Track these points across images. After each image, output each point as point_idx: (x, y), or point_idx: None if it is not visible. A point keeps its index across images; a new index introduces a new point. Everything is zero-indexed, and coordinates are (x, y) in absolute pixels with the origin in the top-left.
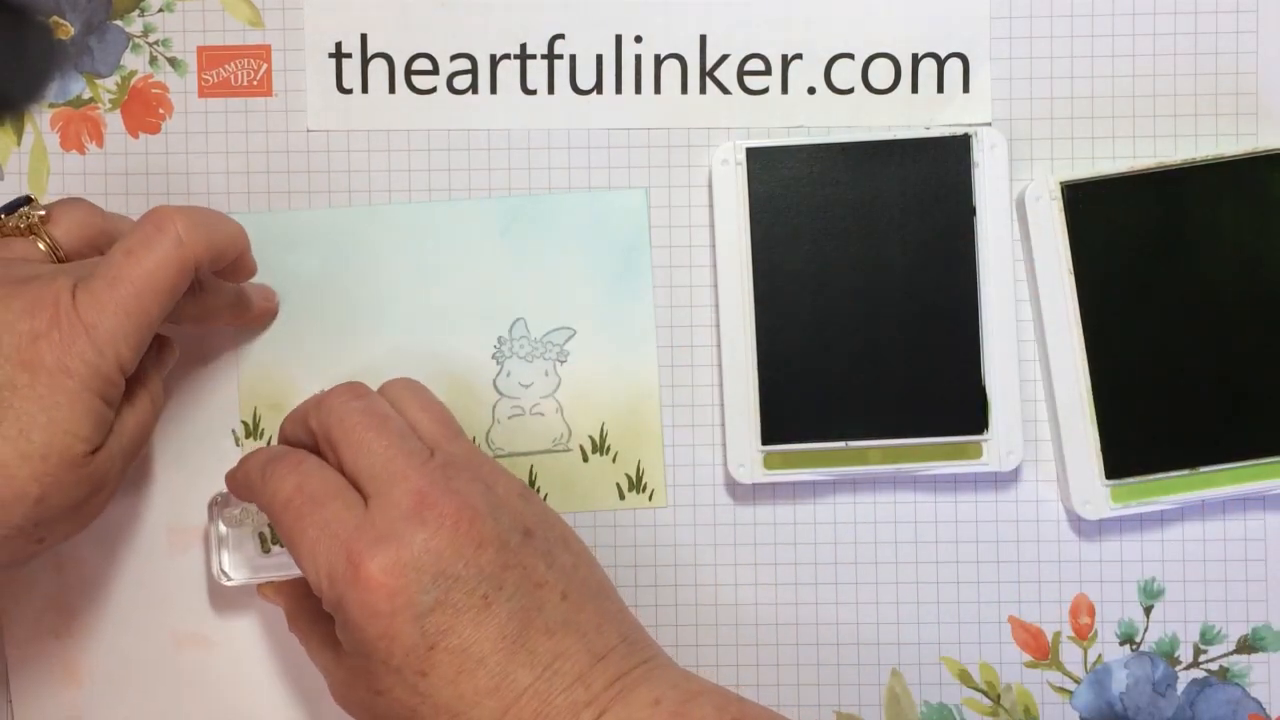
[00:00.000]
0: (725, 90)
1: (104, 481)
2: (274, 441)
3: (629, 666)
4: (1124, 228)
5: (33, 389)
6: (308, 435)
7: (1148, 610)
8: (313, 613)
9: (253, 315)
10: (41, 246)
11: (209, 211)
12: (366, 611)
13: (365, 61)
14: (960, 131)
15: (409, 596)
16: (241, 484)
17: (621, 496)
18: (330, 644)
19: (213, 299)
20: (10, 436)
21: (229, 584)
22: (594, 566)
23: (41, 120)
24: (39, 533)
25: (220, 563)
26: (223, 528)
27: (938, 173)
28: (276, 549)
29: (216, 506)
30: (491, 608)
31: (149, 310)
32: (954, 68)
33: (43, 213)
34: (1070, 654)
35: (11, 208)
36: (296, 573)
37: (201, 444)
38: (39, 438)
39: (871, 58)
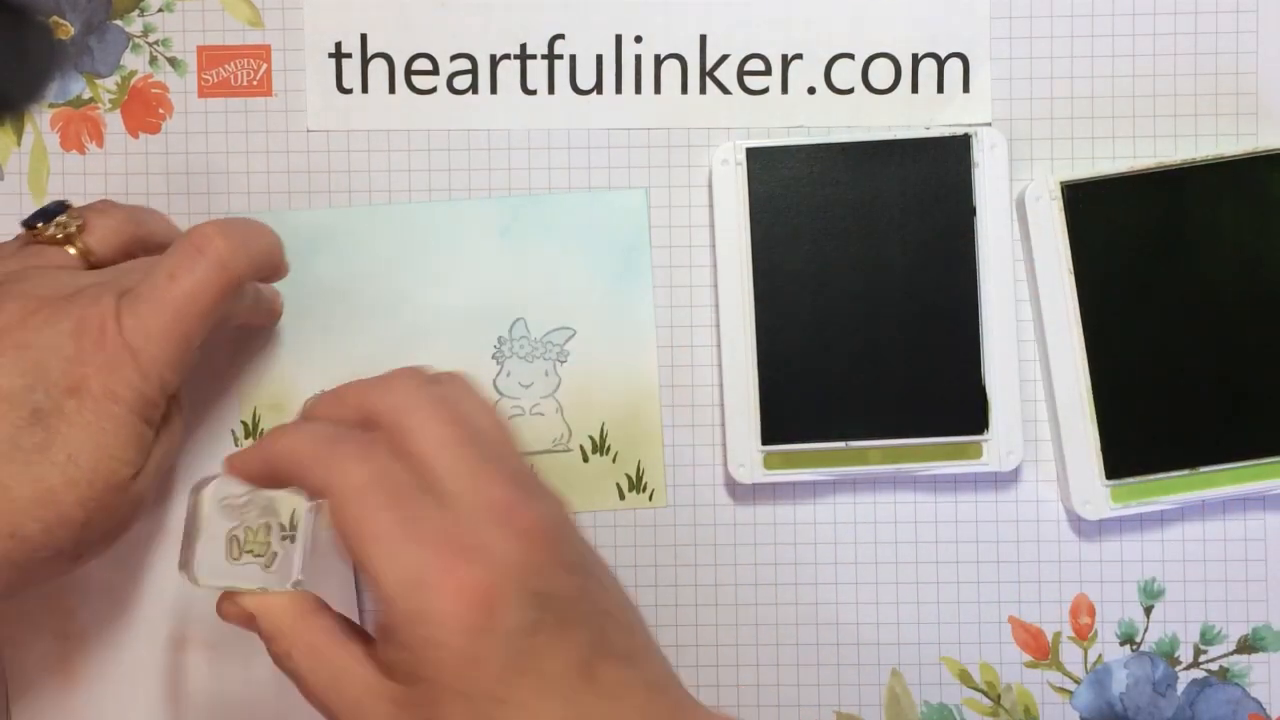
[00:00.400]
0: (725, 90)
1: (142, 500)
2: None
3: (680, 696)
4: (1124, 228)
5: (80, 415)
6: (356, 418)
7: (1148, 610)
8: (327, 633)
9: (266, 315)
10: (73, 251)
11: (247, 224)
12: (454, 627)
13: (365, 61)
14: (960, 131)
15: (504, 613)
16: (284, 460)
17: (621, 496)
18: (360, 670)
19: (237, 304)
20: (58, 462)
21: (197, 588)
22: (618, 583)
23: (41, 120)
24: (78, 551)
25: (194, 559)
26: (211, 517)
27: (938, 173)
28: (248, 558)
29: (203, 492)
30: (568, 631)
31: (192, 333)
32: (954, 68)
33: (80, 222)
34: (1070, 654)
35: (47, 215)
36: (277, 586)
37: (200, 444)
38: (85, 463)
39: (871, 58)
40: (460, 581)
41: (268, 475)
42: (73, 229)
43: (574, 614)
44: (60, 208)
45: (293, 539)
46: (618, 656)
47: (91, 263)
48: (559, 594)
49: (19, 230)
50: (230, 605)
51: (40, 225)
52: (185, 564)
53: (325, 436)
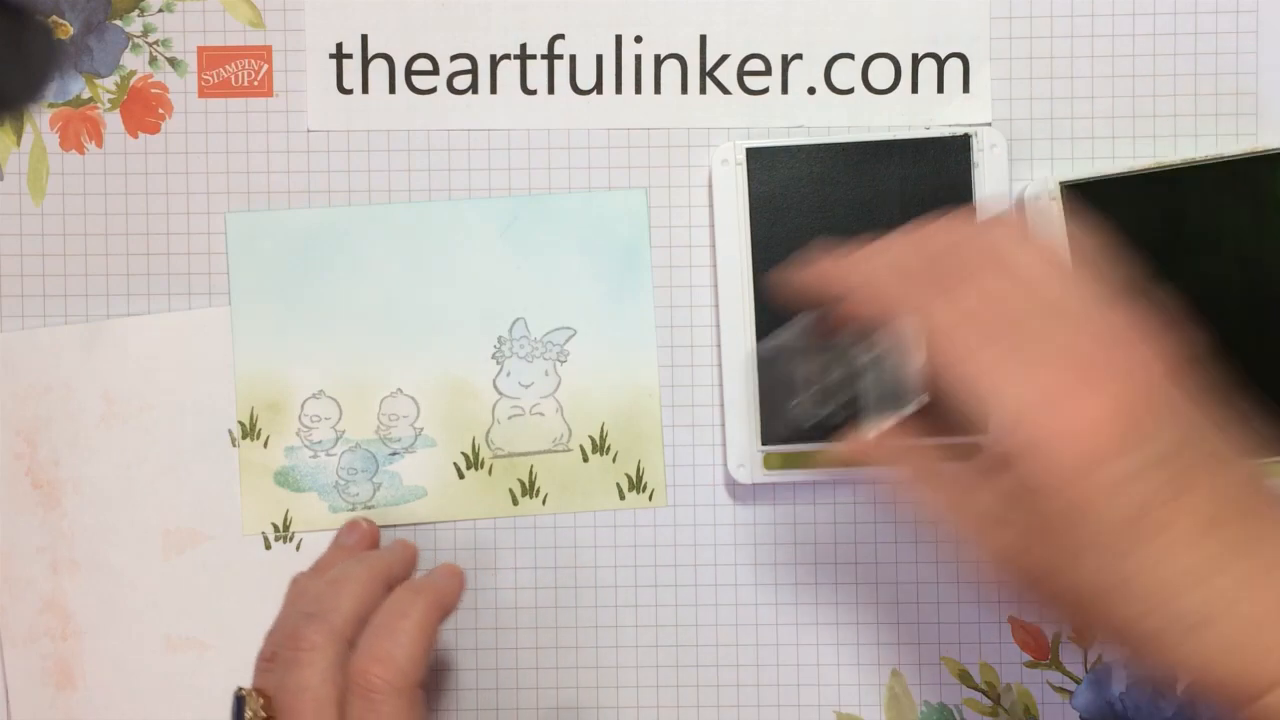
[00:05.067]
0: (725, 90)
1: None
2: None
3: None
4: (1124, 228)
5: None
6: (923, 265)
7: None
8: (942, 462)
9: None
10: None
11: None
12: (1085, 454)
13: (365, 62)
14: (960, 131)
15: (1140, 441)
16: (869, 291)
17: (621, 496)
18: (982, 496)
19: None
20: None
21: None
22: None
23: (41, 120)
24: None
25: (811, 407)
26: (827, 363)
27: (938, 173)
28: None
29: (780, 349)
30: (1196, 483)
31: None
32: (954, 68)
33: (263, 701)
34: (1070, 654)
35: (238, 716)
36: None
37: (198, 445)
38: None
39: (871, 58)
40: (1095, 399)
41: (845, 298)
42: (263, 711)
43: (1197, 462)
44: (241, 701)
45: (868, 378)
46: (1261, 512)
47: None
48: (1189, 428)
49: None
50: (862, 447)
51: None
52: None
53: (910, 269)
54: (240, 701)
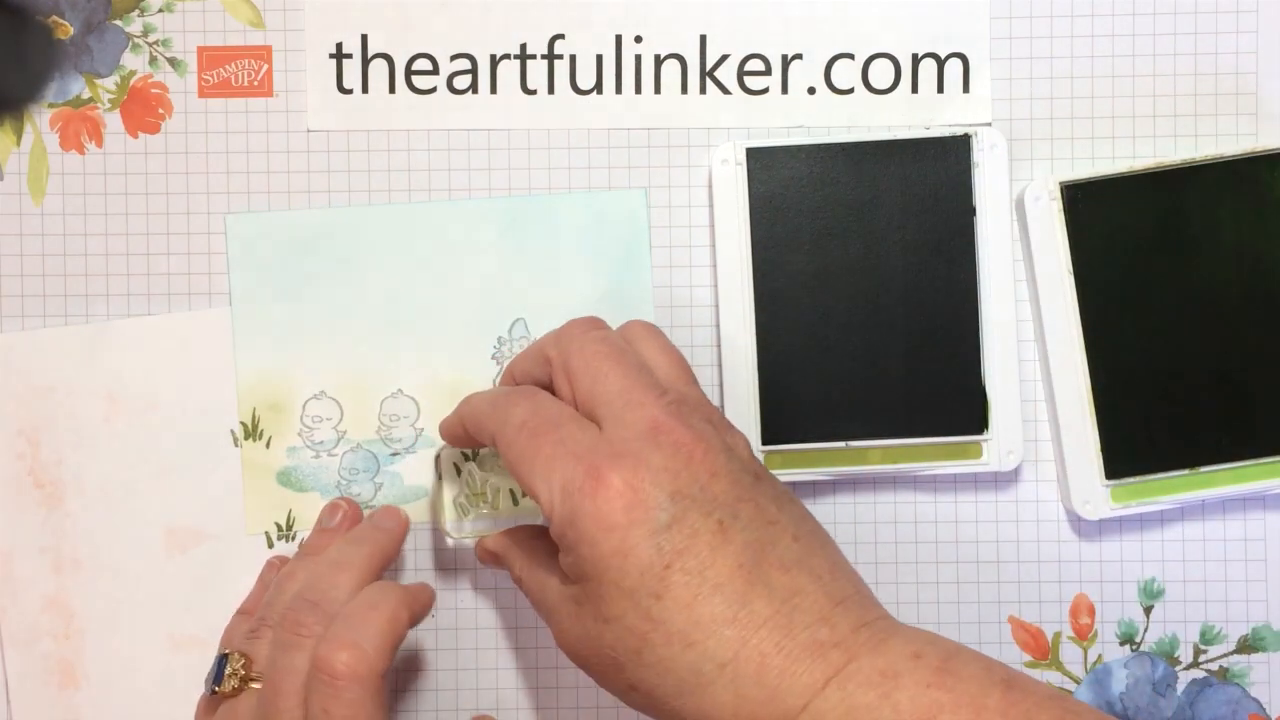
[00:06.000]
0: (725, 90)
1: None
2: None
3: (871, 617)
4: (1124, 228)
5: None
6: (542, 370)
7: (1148, 610)
8: (535, 553)
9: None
10: (258, 685)
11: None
12: (602, 524)
13: (365, 62)
14: (960, 131)
15: (646, 510)
16: (468, 420)
17: None
18: (554, 579)
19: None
20: None
21: (457, 539)
22: (818, 523)
23: (41, 120)
24: None
25: (458, 516)
26: (466, 475)
27: (938, 173)
28: (476, 512)
29: (448, 460)
30: (727, 534)
31: None
32: (954, 68)
33: (244, 661)
34: (1070, 654)
35: (217, 676)
36: (509, 524)
37: (199, 445)
38: None
39: (871, 58)
40: (607, 482)
41: (464, 435)
42: (241, 674)
43: (734, 521)
44: (223, 661)
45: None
46: (788, 564)
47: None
48: (714, 500)
49: (208, 694)
50: (480, 549)
51: (216, 688)
52: (458, 521)
53: (494, 394)
54: (223, 660)
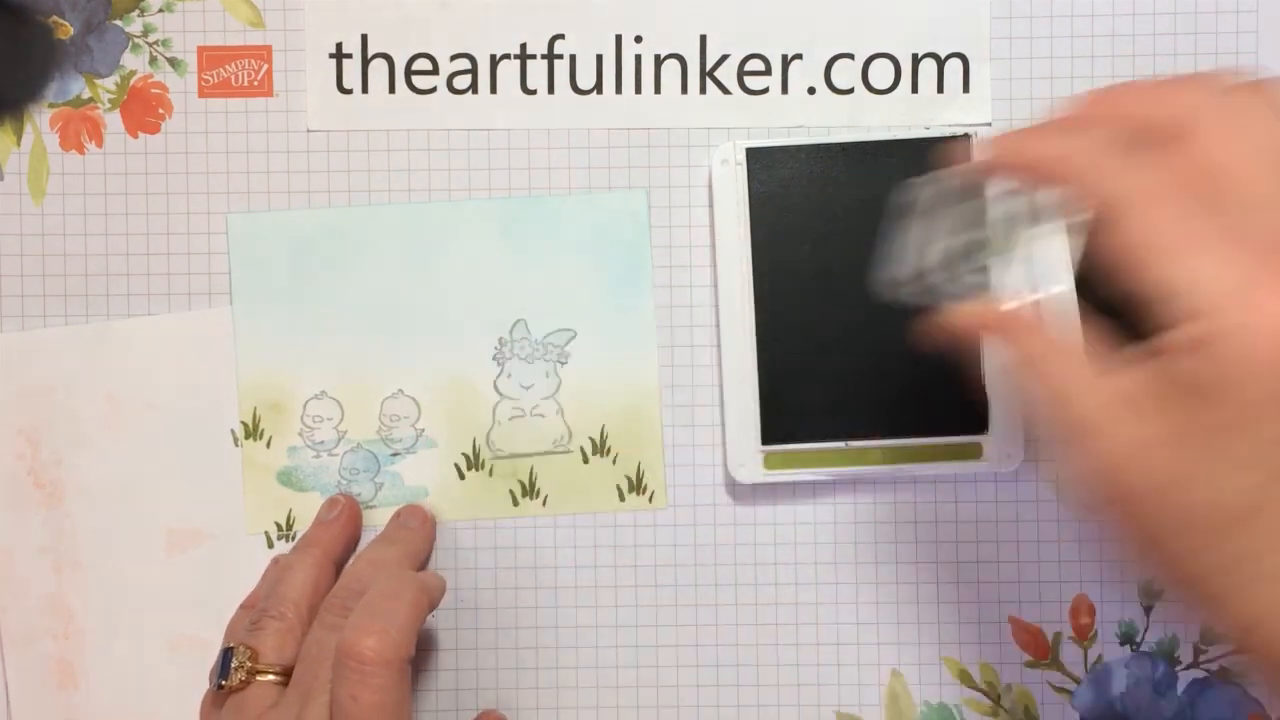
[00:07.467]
0: (725, 90)
1: None
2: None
3: None
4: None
5: None
6: (1130, 125)
7: (1148, 610)
8: (1075, 343)
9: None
10: (270, 678)
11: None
12: (1271, 356)
13: (365, 61)
14: (960, 131)
15: None
16: (1050, 164)
17: (622, 498)
18: (1120, 381)
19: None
20: None
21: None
22: None
23: (41, 120)
24: None
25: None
26: (973, 216)
27: None
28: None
29: (944, 196)
30: None
31: None
32: (954, 68)
33: (250, 653)
34: (1070, 654)
35: (224, 670)
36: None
37: (200, 445)
38: None
39: (871, 58)
40: None
41: (1026, 174)
42: (249, 665)
43: None
44: (229, 653)
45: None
46: None
47: (288, 671)
48: None
49: (213, 690)
50: (973, 318)
51: (224, 682)
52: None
53: (1104, 141)
54: (228, 654)
